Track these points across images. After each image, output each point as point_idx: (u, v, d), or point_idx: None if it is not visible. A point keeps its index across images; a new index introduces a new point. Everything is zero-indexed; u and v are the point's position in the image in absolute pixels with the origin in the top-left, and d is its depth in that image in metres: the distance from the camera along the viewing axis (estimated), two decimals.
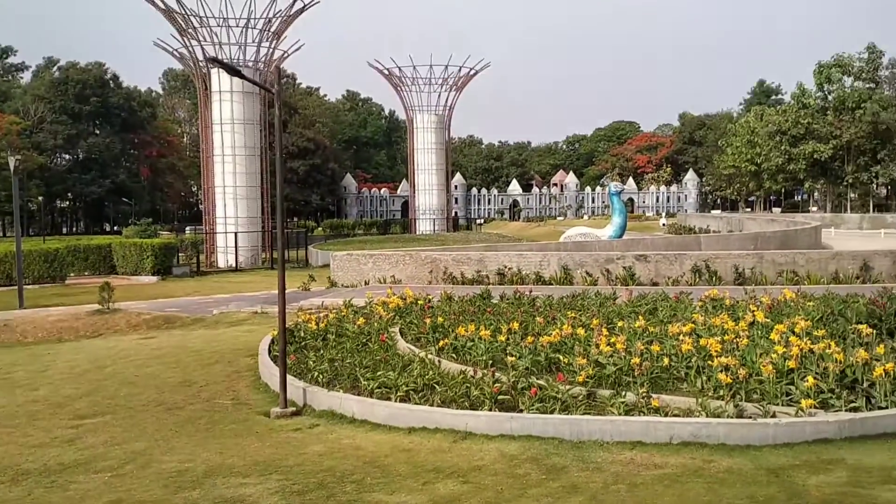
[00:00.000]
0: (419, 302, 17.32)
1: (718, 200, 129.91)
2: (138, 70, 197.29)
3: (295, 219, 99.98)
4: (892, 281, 24.32)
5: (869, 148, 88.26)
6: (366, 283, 27.79)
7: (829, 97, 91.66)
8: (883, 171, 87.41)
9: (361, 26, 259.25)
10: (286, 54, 55.08)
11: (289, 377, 11.87)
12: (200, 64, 51.60)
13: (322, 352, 13.48)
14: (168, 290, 31.68)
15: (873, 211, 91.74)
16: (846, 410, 9.09)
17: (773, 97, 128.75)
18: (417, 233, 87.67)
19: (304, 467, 8.78)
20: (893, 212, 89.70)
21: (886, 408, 9.10)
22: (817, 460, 8.14)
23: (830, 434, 8.70)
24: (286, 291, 12.47)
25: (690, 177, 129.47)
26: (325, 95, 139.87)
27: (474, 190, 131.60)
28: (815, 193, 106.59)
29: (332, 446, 9.57)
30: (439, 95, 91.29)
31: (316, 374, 12.10)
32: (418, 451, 9.16)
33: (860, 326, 11.82)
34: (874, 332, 11.70)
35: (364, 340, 14.08)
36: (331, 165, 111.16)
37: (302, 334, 14.99)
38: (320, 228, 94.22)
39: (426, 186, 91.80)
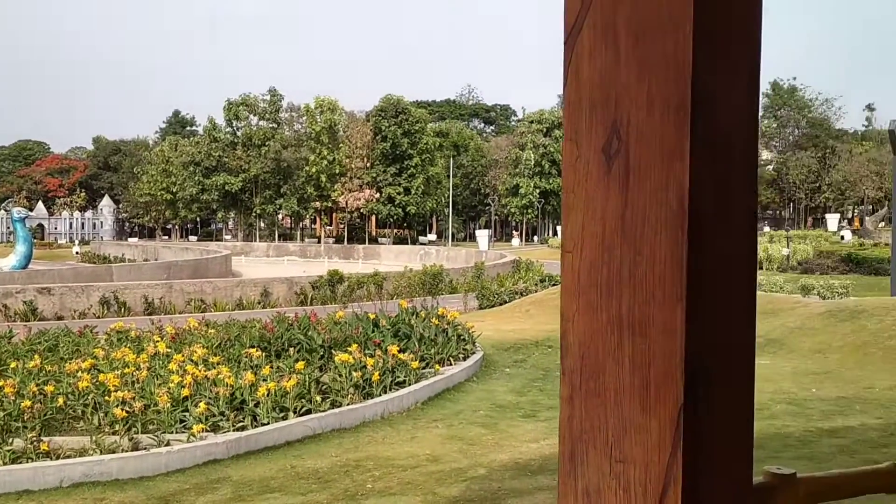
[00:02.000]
0: None
1: (136, 228, 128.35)
2: None
3: None
4: (288, 304, 27.15)
5: (274, 182, 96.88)
6: None
7: (238, 133, 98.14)
8: (286, 203, 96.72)
9: None
10: None
11: None
12: None
13: None
14: None
15: (279, 240, 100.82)
16: (234, 430, 9.91)
17: (189, 128, 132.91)
18: None
19: None
20: (295, 240, 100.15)
21: (268, 423, 10.18)
22: (206, 481, 8.70)
23: (219, 454, 9.37)
24: None
25: (106, 203, 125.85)
26: None
27: None
28: (230, 223, 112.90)
29: None
30: None
31: None
32: None
33: (252, 350, 12.97)
34: (264, 354, 12.96)
35: None
36: None
37: None
38: None
39: None
